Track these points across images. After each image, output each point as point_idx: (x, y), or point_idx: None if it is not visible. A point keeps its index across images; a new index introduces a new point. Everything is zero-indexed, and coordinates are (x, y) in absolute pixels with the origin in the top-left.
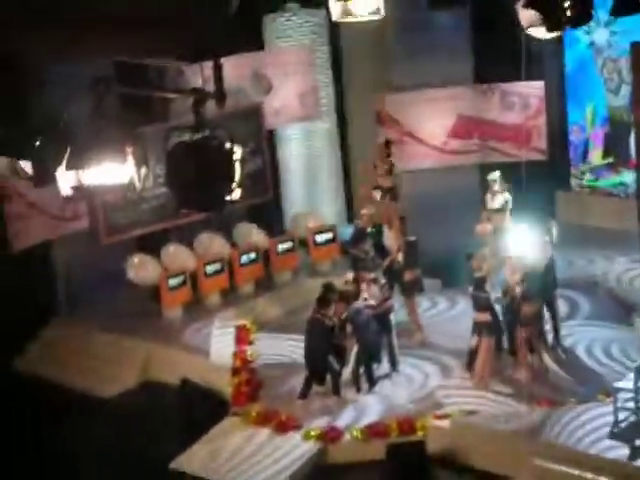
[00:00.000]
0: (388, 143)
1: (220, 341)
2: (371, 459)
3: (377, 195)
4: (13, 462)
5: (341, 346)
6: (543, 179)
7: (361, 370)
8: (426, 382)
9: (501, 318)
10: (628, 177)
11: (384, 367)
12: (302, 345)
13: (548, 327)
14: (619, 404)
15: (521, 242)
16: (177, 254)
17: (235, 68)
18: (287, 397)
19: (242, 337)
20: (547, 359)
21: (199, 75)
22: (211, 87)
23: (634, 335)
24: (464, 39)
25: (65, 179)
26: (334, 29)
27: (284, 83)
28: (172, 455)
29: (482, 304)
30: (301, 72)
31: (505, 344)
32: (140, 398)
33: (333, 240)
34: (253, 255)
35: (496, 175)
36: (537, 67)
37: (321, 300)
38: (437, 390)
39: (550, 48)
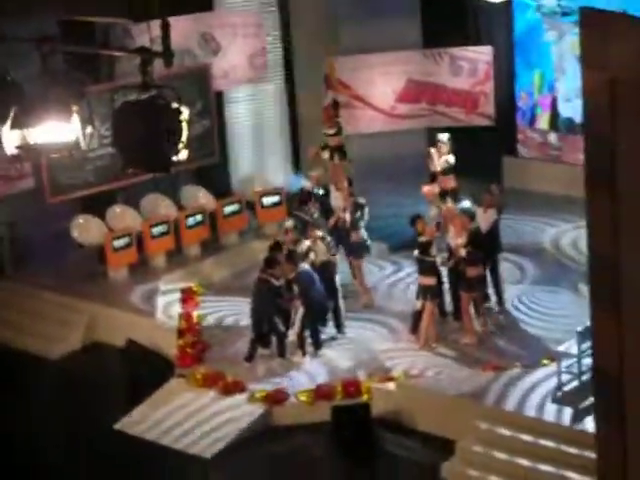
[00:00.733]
0: (336, 104)
1: (166, 303)
2: (316, 421)
3: (325, 154)
4: None
5: (287, 307)
6: (490, 144)
7: (306, 333)
8: (372, 345)
9: (445, 281)
10: None
11: (330, 330)
12: (248, 308)
13: (491, 291)
14: (562, 368)
15: (466, 205)
16: (123, 215)
17: (183, 28)
18: (233, 359)
19: (188, 299)
20: (490, 323)
21: (146, 34)
22: (158, 47)
23: (578, 300)
24: (413, 3)
25: (10, 138)
26: None
27: (232, 44)
28: (117, 416)
29: (427, 268)
30: (250, 34)
31: (449, 308)
32: (85, 359)
33: (280, 203)
34: (199, 217)
35: (446, 136)
36: (486, 32)
37: (268, 259)
38: (382, 353)
39: (499, 13)
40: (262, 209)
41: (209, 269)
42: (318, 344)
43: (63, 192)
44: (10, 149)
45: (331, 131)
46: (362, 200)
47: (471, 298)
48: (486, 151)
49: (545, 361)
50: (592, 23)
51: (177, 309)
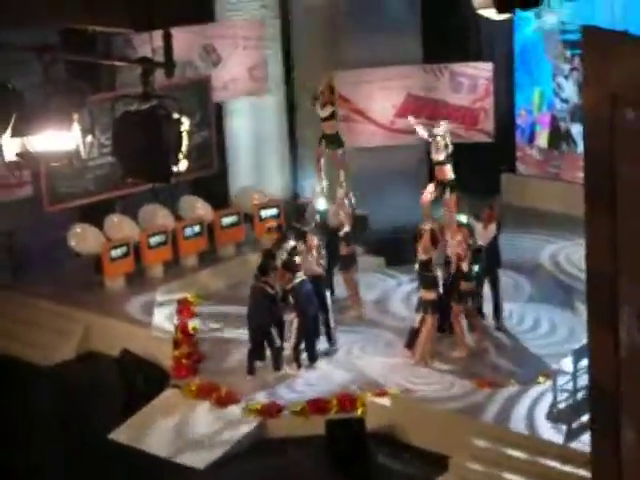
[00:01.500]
0: (332, 88)
1: (162, 313)
2: (310, 435)
3: (322, 146)
4: None
5: (281, 316)
6: (489, 161)
7: (302, 346)
8: (366, 359)
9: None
10: None
11: (324, 343)
12: (244, 319)
13: (490, 307)
14: (558, 386)
15: (463, 219)
16: (121, 225)
17: (185, 39)
18: (228, 371)
19: (184, 310)
20: (486, 339)
21: (148, 45)
22: (160, 57)
23: (575, 318)
24: (415, 18)
25: (10, 145)
26: (285, 3)
27: (234, 56)
28: (111, 426)
29: (429, 283)
30: (251, 46)
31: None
32: (80, 368)
33: (278, 215)
34: (197, 228)
35: (441, 130)
36: (487, 48)
37: (261, 267)
38: (377, 367)
39: (500, 30)
40: (260, 221)
41: (206, 280)
42: (313, 357)
43: (61, 201)
44: (10, 157)
45: (325, 113)
46: (362, 212)
47: (462, 311)
48: (485, 168)
49: (540, 378)
50: (594, 41)
51: (173, 320)
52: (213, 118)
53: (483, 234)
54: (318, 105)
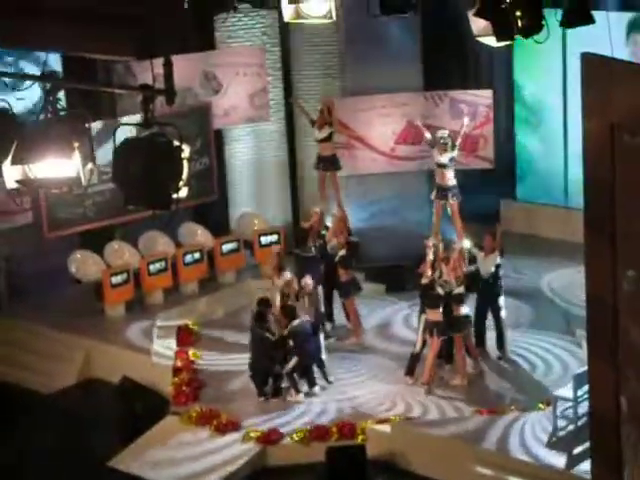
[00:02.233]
0: (330, 109)
1: (162, 340)
2: (311, 462)
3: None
4: None
5: (283, 355)
6: (489, 187)
7: (296, 375)
8: (367, 386)
9: None
10: None
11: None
12: (244, 345)
13: (493, 334)
14: (558, 413)
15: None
16: (121, 251)
17: (185, 66)
18: (228, 398)
19: (184, 337)
20: (481, 364)
21: (148, 72)
22: (161, 84)
23: (575, 345)
24: (414, 46)
25: (10, 173)
26: (285, 31)
27: (234, 83)
28: (111, 454)
29: (434, 302)
30: (251, 73)
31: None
32: (80, 395)
33: (278, 242)
34: (197, 255)
35: (445, 132)
36: (486, 75)
37: (257, 316)
38: (378, 394)
39: (500, 57)
40: (260, 248)
41: (206, 307)
42: (311, 381)
43: (61, 227)
44: (10, 184)
45: (322, 135)
46: (355, 239)
47: (462, 338)
48: (485, 194)
49: (541, 405)
50: (593, 69)
51: (173, 347)
52: (213, 145)
53: (484, 263)
54: (316, 126)
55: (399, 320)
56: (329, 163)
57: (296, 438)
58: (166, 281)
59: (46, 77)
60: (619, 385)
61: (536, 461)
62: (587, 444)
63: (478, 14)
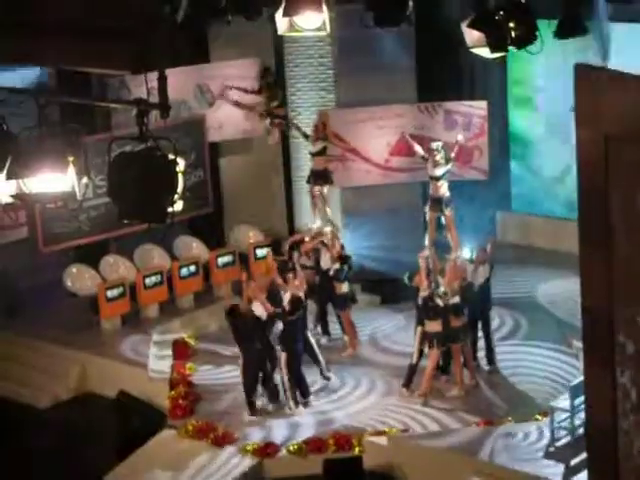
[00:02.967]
0: (325, 124)
1: (158, 354)
2: (308, 474)
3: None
4: None
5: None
6: (484, 199)
7: (287, 384)
8: (363, 398)
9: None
10: None
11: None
12: (240, 359)
13: (482, 346)
14: (555, 423)
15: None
16: (116, 265)
17: (179, 80)
18: (224, 411)
19: (180, 350)
20: (477, 375)
21: (142, 86)
22: (155, 98)
23: (572, 356)
24: (409, 57)
25: (5, 187)
26: (279, 43)
27: (229, 97)
28: (106, 468)
29: (433, 313)
30: (246, 86)
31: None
32: (76, 409)
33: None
34: (193, 268)
35: (439, 144)
36: (481, 86)
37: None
38: (374, 406)
39: (494, 68)
40: (255, 261)
41: (202, 320)
42: (306, 391)
43: (57, 241)
44: (5, 198)
45: (316, 148)
46: (347, 253)
47: (459, 349)
48: (480, 205)
49: (538, 416)
50: (586, 78)
51: (169, 360)
52: (208, 158)
53: (473, 275)
54: (310, 140)
55: (395, 332)
56: (321, 177)
57: (293, 450)
58: (162, 294)
59: (40, 91)
60: (615, 395)
61: (533, 472)
62: (584, 455)
63: (472, 25)
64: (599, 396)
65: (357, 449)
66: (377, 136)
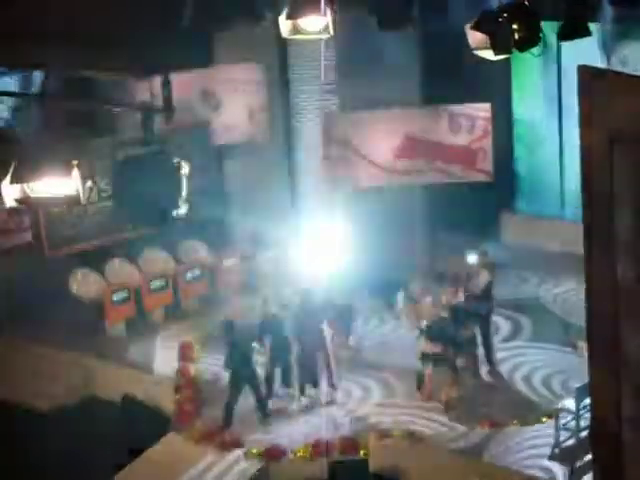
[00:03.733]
0: None
1: (163, 357)
2: (314, 477)
3: None
4: None
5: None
6: (488, 200)
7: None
8: (368, 401)
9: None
10: None
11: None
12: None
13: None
14: (560, 425)
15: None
16: (121, 269)
17: (184, 84)
18: None
19: (186, 354)
20: (485, 379)
21: (147, 90)
22: (159, 102)
23: (576, 357)
24: (413, 60)
25: (9, 191)
26: (283, 47)
27: (233, 100)
28: (112, 472)
29: (435, 335)
30: (250, 90)
31: None
32: (81, 414)
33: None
34: (198, 272)
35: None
36: (485, 89)
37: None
38: (379, 409)
39: (498, 70)
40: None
41: (207, 324)
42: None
43: (61, 245)
44: (9, 202)
45: None
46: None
47: (469, 359)
48: (484, 207)
49: (543, 418)
50: (590, 80)
51: (175, 364)
52: (213, 162)
53: (475, 279)
54: None
55: (401, 335)
56: None
57: (299, 454)
58: (167, 298)
59: (45, 96)
60: (620, 397)
61: (539, 474)
62: (589, 457)
63: (475, 27)
64: (603, 397)
65: (363, 452)
66: (381, 139)
